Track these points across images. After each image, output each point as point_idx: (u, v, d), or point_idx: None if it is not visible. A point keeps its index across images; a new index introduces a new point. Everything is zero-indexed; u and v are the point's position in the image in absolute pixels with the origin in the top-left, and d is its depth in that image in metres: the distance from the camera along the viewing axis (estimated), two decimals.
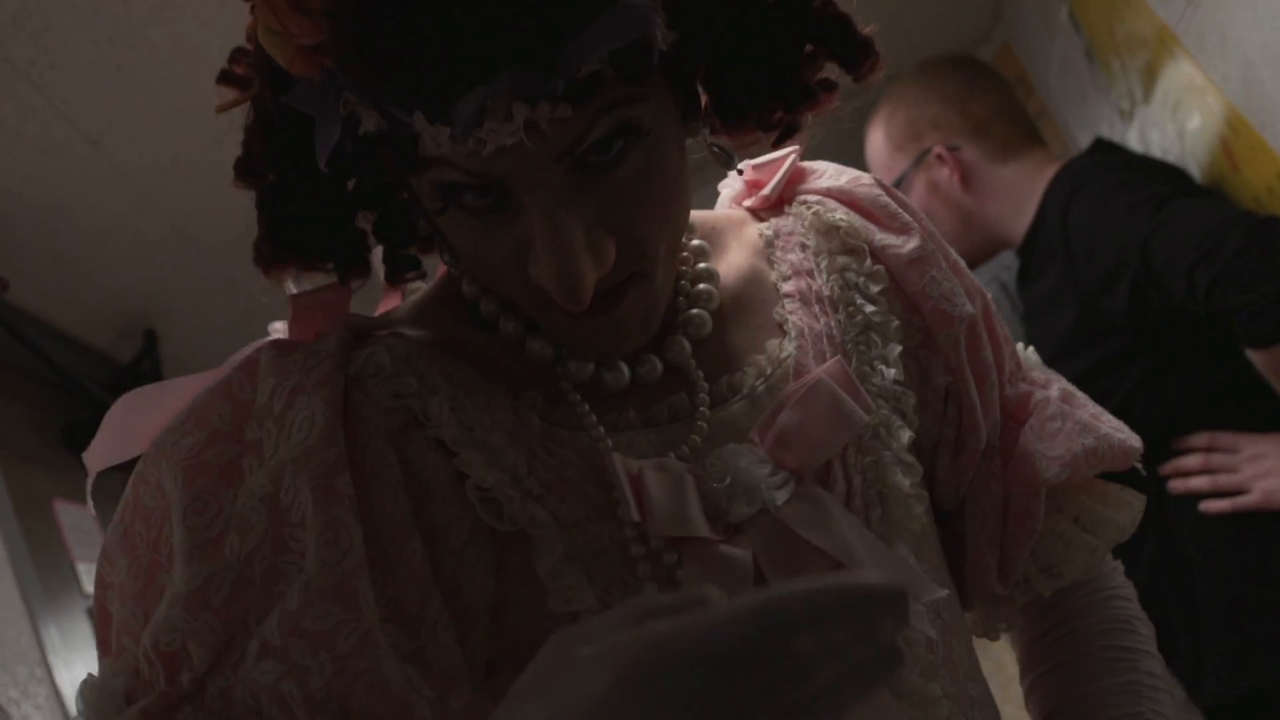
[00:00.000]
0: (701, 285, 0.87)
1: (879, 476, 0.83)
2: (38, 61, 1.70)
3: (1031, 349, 1.02)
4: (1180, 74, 1.86)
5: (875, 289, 0.88)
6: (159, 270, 2.40)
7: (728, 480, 0.76)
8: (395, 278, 0.86)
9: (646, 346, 0.82)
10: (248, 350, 0.78)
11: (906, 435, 0.85)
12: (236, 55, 0.77)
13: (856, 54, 0.80)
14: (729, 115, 0.82)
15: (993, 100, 2.01)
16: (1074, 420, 0.94)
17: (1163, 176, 1.81)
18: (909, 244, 0.90)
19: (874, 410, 0.82)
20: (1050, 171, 1.92)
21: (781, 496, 0.77)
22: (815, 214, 0.92)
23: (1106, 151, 1.92)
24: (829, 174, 0.95)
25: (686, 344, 0.83)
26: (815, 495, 0.78)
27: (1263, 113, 1.63)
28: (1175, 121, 2.00)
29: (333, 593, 0.68)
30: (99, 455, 0.83)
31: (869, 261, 0.89)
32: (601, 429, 0.78)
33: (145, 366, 2.58)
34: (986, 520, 0.93)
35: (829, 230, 0.90)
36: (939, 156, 1.97)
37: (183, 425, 0.74)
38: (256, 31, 0.69)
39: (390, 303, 0.90)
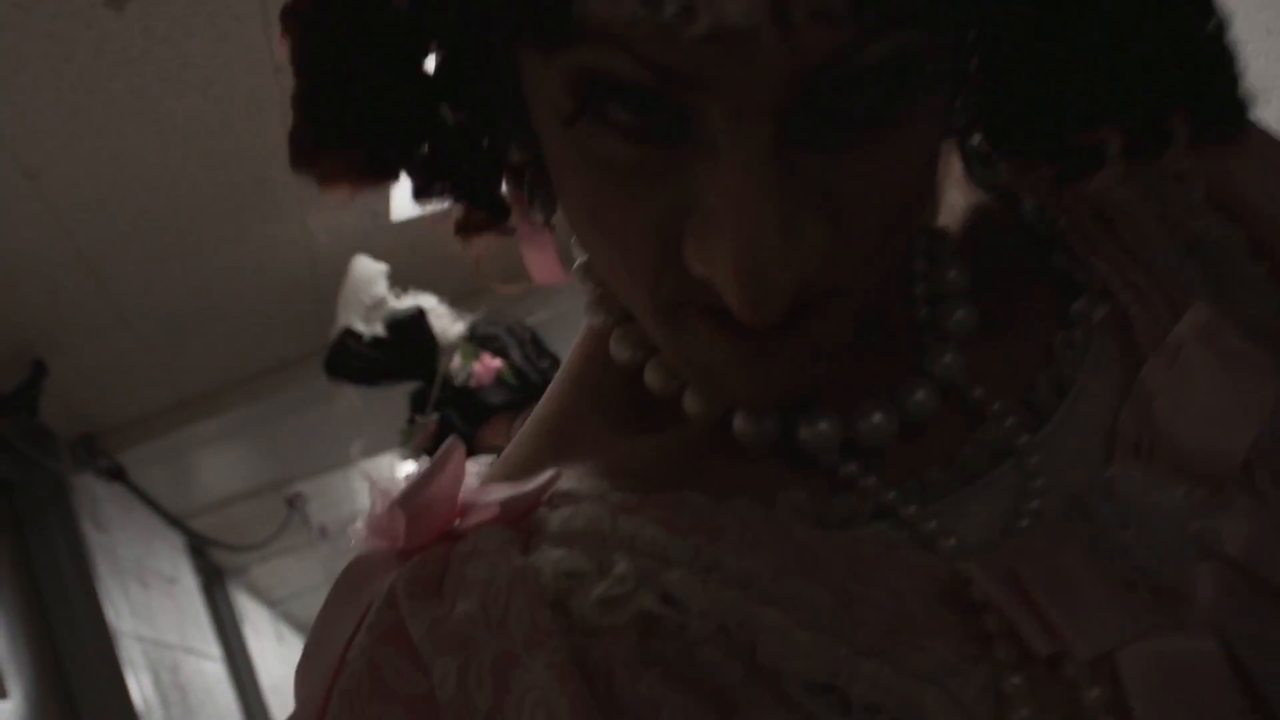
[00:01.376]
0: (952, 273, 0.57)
1: None
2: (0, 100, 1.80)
3: None
4: None
5: (1195, 195, 0.59)
6: (58, 303, 2.45)
7: (1132, 525, 0.48)
8: (471, 226, 0.57)
9: (912, 362, 0.55)
10: (357, 577, 0.54)
11: None
12: None
13: (1231, 102, 0.50)
14: (1016, 129, 0.51)
15: None
16: None
17: None
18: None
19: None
20: None
21: (1226, 524, 0.48)
22: None
23: None
24: None
25: (958, 354, 0.55)
26: (1263, 501, 0.50)
27: None
28: None
29: None
30: None
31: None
32: (925, 516, 0.51)
33: (26, 397, 2.61)
34: None
35: None
36: None
37: None
38: None
39: (541, 258, 0.60)
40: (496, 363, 2.09)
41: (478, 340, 2.13)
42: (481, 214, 0.56)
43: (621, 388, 0.58)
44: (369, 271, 2.16)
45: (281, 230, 2.16)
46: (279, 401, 3.74)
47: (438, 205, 0.55)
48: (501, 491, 0.53)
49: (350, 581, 0.54)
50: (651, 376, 0.56)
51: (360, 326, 2.11)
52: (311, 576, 7.69)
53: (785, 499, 0.52)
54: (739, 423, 0.54)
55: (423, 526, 0.53)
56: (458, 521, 0.54)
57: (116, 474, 3.21)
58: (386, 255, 2.21)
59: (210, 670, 4.16)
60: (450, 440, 0.53)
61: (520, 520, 0.53)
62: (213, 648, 4.44)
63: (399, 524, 0.52)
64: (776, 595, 0.48)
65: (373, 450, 5.15)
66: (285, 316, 3.00)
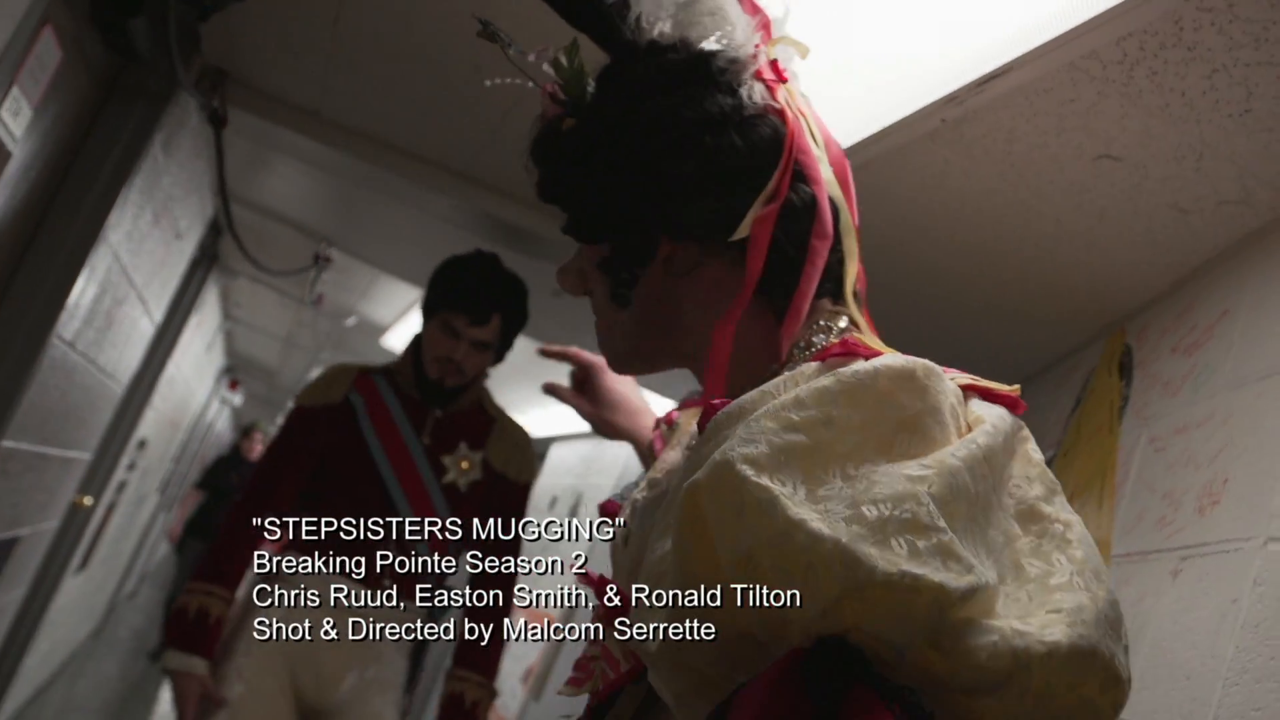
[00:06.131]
0: None
1: None
2: None
3: None
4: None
5: None
6: None
7: None
8: None
9: None
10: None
11: None
12: None
13: None
14: None
15: None
16: None
17: None
18: None
19: None
20: None
21: None
22: None
23: None
24: None
25: None
26: None
27: None
28: None
29: None
30: None
31: None
32: None
33: (215, 2, 2.53)
34: None
35: None
36: None
37: None
38: None
39: None
40: None
41: None
42: None
43: None
44: None
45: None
46: (385, 179, 3.66)
47: None
48: None
49: None
50: None
51: None
52: (275, 325, 7.64)
53: None
54: None
55: None
56: None
57: (217, 120, 3.13)
58: None
59: (142, 326, 4.09)
60: None
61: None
62: (158, 312, 4.38)
63: None
64: None
65: (412, 276, 5.07)
66: (461, 122, 2.91)
